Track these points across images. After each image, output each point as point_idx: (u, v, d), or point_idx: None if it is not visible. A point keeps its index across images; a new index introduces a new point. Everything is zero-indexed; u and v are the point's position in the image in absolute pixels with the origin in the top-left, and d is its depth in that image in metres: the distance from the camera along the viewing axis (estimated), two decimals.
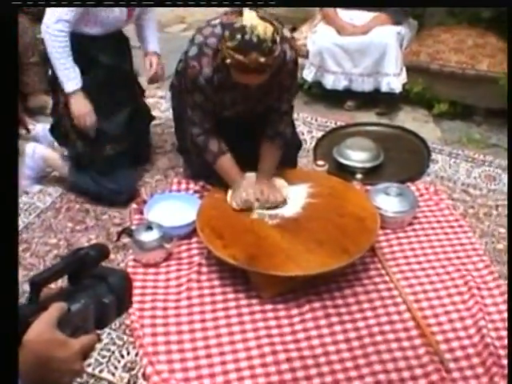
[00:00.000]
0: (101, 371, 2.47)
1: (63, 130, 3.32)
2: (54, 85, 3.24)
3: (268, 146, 3.07)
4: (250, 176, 3.04)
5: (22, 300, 1.21)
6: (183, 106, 3.06)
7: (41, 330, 1.10)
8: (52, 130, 3.43)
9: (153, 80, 3.51)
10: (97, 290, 1.29)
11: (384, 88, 4.19)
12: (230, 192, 3.03)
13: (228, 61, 2.56)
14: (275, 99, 3.01)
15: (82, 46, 3.06)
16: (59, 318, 1.14)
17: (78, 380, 2.43)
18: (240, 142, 3.05)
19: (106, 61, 3.19)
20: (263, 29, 2.49)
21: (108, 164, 3.29)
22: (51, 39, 2.97)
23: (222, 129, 3.01)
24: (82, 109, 3.13)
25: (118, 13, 3.08)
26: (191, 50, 2.82)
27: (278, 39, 2.56)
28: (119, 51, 3.30)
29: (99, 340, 1.24)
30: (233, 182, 3.03)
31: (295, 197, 3.05)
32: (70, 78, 3.06)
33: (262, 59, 2.51)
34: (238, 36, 2.50)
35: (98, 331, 1.24)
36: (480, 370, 2.42)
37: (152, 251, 2.93)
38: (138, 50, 3.59)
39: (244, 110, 3.03)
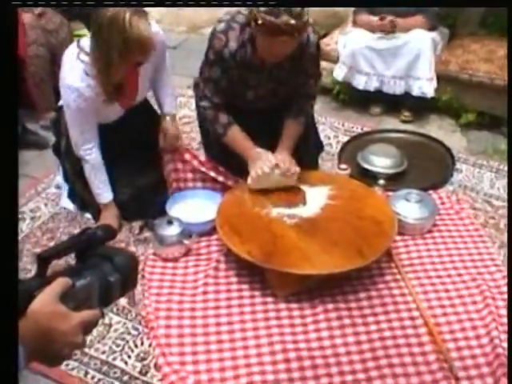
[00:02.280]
0: (114, 359, 2.54)
1: (80, 197, 3.37)
2: (63, 154, 3.28)
3: (291, 122, 3.14)
4: (263, 152, 3.07)
5: None
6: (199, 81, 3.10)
7: (44, 301, 1.15)
8: (70, 195, 3.45)
9: (165, 147, 3.29)
10: (103, 268, 1.33)
11: (416, 92, 4.19)
12: (249, 179, 3.06)
13: (260, 21, 2.61)
14: (299, 84, 3.08)
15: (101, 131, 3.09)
16: (63, 291, 1.19)
17: (92, 366, 2.50)
18: (258, 135, 3.10)
19: (122, 139, 3.18)
20: None
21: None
22: (84, 160, 3.04)
23: (238, 122, 3.06)
24: (111, 219, 3.13)
25: (116, 111, 3.09)
26: (219, 25, 2.90)
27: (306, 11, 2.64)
28: (138, 125, 3.25)
29: (102, 316, 1.27)
30: (246, 152, 3.07)
31: (315, 198, 3.08)
32: (102, 192, 3.13)
33: (292, 21, 2.58)
34: None
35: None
36: (489, 380, 2.43)
37: (171, 246, 2.98)
38: None
39: (266, 94, 3.08)
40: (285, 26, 2.59)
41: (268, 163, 3.01)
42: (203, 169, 3.32)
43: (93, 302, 1.30)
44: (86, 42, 2.83)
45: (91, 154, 3.03)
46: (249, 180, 3.06)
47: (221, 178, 3.33)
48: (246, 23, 2.82)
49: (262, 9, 2.60)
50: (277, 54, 2.81)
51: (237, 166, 3.15)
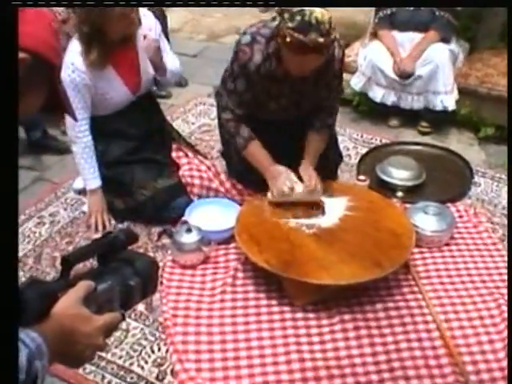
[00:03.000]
0: (131, 364, 2.56)
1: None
2: None
3: (315, 136, 3.16)
4: (282, 169, 3.08)
5: None
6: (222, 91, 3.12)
7: (68, 304, 1.18)
8: None
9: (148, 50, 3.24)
10: (123, 272, 1.36)
11: (438, 106, 4.20)
12: (268, 194, 3.08)
13: (288, 39, 2.61)
14: (321, 98, 3.09)
15: (105, 124, 3.20)
16: (86, 294, 1.22)
17: (109, 371, 2.52)
18: (278, 147, 3.11)
19: (132, 131, 3.29)
20: (321, 13, 2.58)
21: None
22: (76, 141, 3.15)
23: (260, 133, 3.08)
24: (95, 208, 3.28)
25: (122, 92, 3.18)
26: (244, 38, 2.90)
27: (333, 24, 2.63)
28: (144, 116, 3.35)
29: (123, 319, 1.32)
30: (265, 169, 3.08)
31: (334, 208, 3.09)
32: (92, 177, 3.21)
33: (321, 39, 2.57)
34: (298, 17, 2.57)
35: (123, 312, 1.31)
36: None
37: (190, 253, 3.00)
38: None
39: (288, 105, 3.09)
40: (313, 44, 2.58)
41: (288, 183, 3.03)
42: (215, 183, 3.38)
43: (114, 305, 1.33)
44: None
45: (82, 137, 3.13)
46: (268, 196, 3.08)
47: (234, 192, 3.40)
48: (271, 37, 2.82)
49: (291, 25, 2.58)
50: (303, 69, 2.82)
51: (255, 179, 3.16)
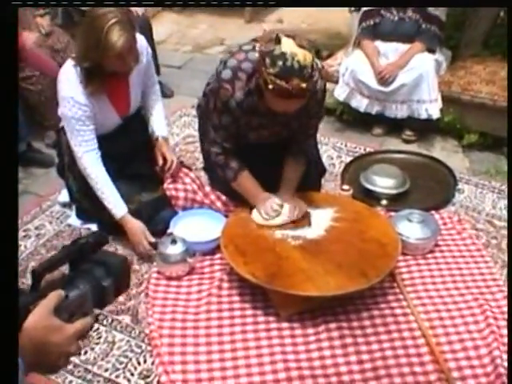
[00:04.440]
0: (117, 376, 2.55)
1: (89, 215, 3.42)
2: (66, 173, 3.32)
3: (291, 162, 3.15)
4: (269, 195, 3.10)
5: None
6: (208, 126, 3.11)
7: (38, 317, 1.22)
8: (78, 215, 3.50)
9: (166, 172, 3.36)
10: (95, 274, 1.43)
11: (423, 115, 4.24)
12: (254, 210, 3.10)
13: (270, 87, 2.57)
14: (301, 125, 3.07)
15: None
16: (56, 305, 1.26)
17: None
18: (260, 168, 3.11)
19: (117, 151, 3.23)
20: (303, 55, 2.53)
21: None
22: (86, 172, 3.07)
23: (243, 155, 3.08)
24: (136, 237, 3.15)
25: (112, 117, 3.16)
26: (224, 72, 2.85)
27: (315, 65, 2.62)
28: (130, 135, 3.30)
29: (96, 320, 1.38)
30: (254, 197, 3.10)
31: (320, 220, 3.10)
32: (117, 205, 3.11)
33: (304, 85, 2.55)
34: (280, 63, 2.52)
35: (99, 310, 1.40)
36: None
37: (175, 265, 3.00)
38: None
39: (269, 134, 3.09)
40: (296, 90, 2.56)
41: (274, 206, 3.05)
42: (200, 195, 3.39)
43: (87, 308, 1.38)
44: None
45: (94, 169, 3.06)
46: (254, 217, 3.09)
47: (219, 204, 3.40)
48: (252, 72, 2.79)
49: (272, 71, 2.54)
50: (286, 110, 2.79)
51: (238, 194, 3.17)
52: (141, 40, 3.09)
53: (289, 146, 3.15)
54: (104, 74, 2.92)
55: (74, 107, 2.92)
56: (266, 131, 3.06)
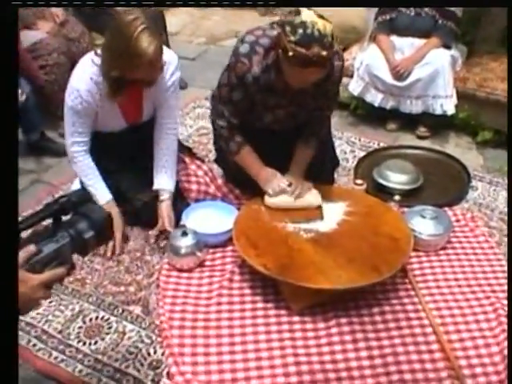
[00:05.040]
0: (127, 367, 2.56)
1: None
2: None
3: (302, 145, 3.16)
4: (273, 171, 3.10)
5: None
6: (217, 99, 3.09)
7: None
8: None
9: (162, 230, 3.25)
10: (79, 226, 1.66)
11: (437, 110, 4.22)
12: (266, 197, 3.10)
13: (290, 54, 2.56)
14: (317, 107, 3.07)
15: (97, 139, 3.12)
16: (26, 259, 1.51)
17: (105, 373, 2.52)
18: (270, 159, 3.12)
19: (126, 145, 3.21)
20: (323, 24, 2.53)
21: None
22: (73, 162, 3.08)
23: (254, 142, 3.08)
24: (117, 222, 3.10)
25: (118, 123, 3.12)
26: (242, 47, 2.83)
27: (335, 36, 2.59)
28: (144, 135, 3.26)
29: (73, 268, 1.68)
30: (257, 172, 3.10)
31: (332, 213, 3.09)
32: (98, 192, 3.10)
33: (324, 52, 2.53)
34: (300, 30, 2.51)
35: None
36: None
37: (185, 257, 3.00)
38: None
39: (285, 117, 3.07)
40: (316, 57, 2.54)
41: (281, 184, 3.06)
42: (212, 187, 3.38)
43: (64, 259, 1.61)
44: None
45: (80, 159, 3.07)
46: (266, 199, 3.09)
47: (231, 197, 3.42)
48: (270, 47, 2.78)
49: (293, 38, 2.52)
50: (304, 82, 2.77)
51: (252, 184, 3.16)
52: (168, 52, 3.03)
53: (302, 130, 3.15)
54: (129, 84, 2.87)
55: (76, 99, 2.89)
56: (281, 111, 3.04)
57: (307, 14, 2.55)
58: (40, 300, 1.53)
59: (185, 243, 3.00)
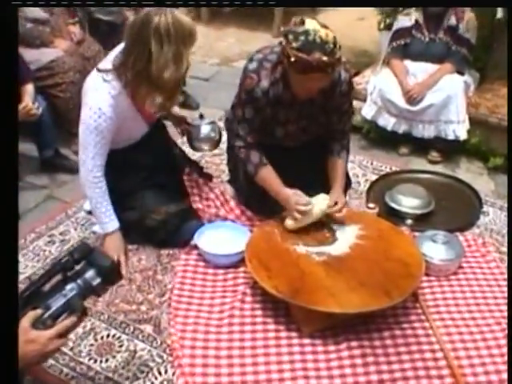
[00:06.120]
0: None
1: None
2: None
3: (336, 159, 3.20)
4: (293, 192, 3.09)
5: None
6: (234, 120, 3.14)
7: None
8: None
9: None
10: (86, 275, 1.77)
11: (450, 135, 4.25)
12: (287, 221, 3.11)
13: (292, 59, 2.65)
14: (332, 121, 3.12)
15: (116, 157, 3.09)
16: (33, 321, 1.64)
17: None
18: (287, 174, 3.12)
19: (143, 161, 3.25)
20: (325, 32, 2.63)
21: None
22: (91, 187, 3.03)
23: (269, 160, 3.10)
24: (113, 250, 3.12)
25: (139, 124, 3.15)
26: (250, 65, 2.95)
27: (338, 44, 2.67)
28: (155, 144, 3.30)
29: (85, 314, 1.82)
30: (276, 192, 3.10)
31: (344, 237, 3.11)
32: (109, 220, 3.11)
33: (325, 58, 2.61)
34: (302, 37, 2.62)
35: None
36: None
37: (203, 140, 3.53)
38: None
39: (295, 131, 3.12)
40: (317, 62, 2.63)
41: (302, 202, 3.04)
42: (222, 211, 3.42)
43: (74, 308, 1.72)
44: (104, 64, 2.95)
45: (99, 185, 3.04)
46: (288, 222, 3.10)
47: (244, 219, 3.43)
48: (277, 62, 2.86)
49: (295, 45, 2.63)
50: (309, 89, 2.85)
51: (265, 206, 3.19)
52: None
53: (330, 147, 3.21)
54: (150, 84, 2.87)
55: (100, 118, 2.86)
56: (292, 126, 3.09)
57: (310, 23, 2.65)
58: (56, 351, 1.68)
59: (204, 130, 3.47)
